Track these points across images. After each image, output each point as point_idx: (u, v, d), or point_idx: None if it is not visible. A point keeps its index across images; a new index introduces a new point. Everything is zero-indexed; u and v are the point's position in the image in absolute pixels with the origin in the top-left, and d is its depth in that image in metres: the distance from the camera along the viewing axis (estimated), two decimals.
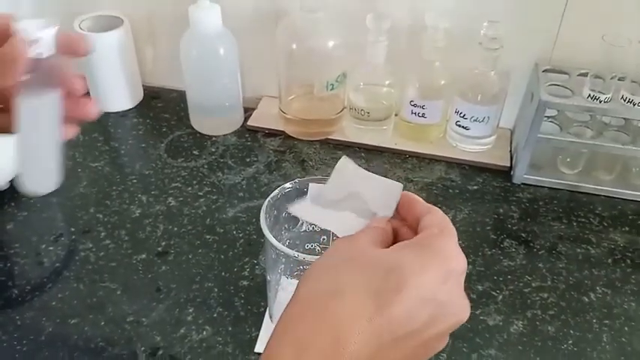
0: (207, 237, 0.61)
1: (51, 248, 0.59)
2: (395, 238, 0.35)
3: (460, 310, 0.31)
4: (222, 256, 0.59)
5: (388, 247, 0.32)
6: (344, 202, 0.39)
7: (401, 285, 0.29)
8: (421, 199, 0.36)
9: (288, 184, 0.47)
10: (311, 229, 0.51)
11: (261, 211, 0.45)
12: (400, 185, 0.36)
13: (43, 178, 0.38)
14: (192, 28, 0.69)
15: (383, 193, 0.38)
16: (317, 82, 0.71)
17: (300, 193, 0.48)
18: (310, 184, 0.47)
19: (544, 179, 0.69)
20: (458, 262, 0.31)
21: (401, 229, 0.35)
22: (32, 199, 0.65)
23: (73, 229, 0.61)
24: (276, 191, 0.47)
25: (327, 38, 0.68)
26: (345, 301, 0.28)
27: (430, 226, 0.32)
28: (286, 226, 0.50)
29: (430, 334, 0.30)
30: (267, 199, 0.46)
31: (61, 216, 0.64)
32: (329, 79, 0.70)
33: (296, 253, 0.42)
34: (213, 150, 0.74)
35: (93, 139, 0.75)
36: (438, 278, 0.30)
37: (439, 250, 0.31)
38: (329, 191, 0.40)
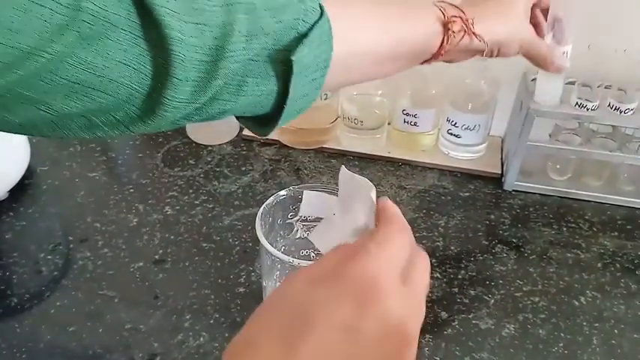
0: (204, 245, 0.62)
1: (49, 257, 0.60)
2: None
3: (388, 332, 0.26)
4: (219, 264, 0.60)
5: None
6: (349, 218, 0.38)
7: (306, 325, 0.25)
8: (388, 205, 0.32)
9: (282, 192, 0.48)
10: (305, 235, 0.52)
11: (257, 218, 0.46)
12: (372, 188, 0.34)
13: None
14: None
15: (362, 195, 0.37)
16: None
17: (295, 200, 0.49)
18: (305, 191, 0.48)
19: (534, 186, 0.70)
20: (374, 285, 0.27)
21: None
22: (30, 208, 0.66)
23: (71, 238, 0.62)
24: (271, 199, 0.48)
25: None
26: (257, 351, 0.26)
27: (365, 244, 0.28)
28: (281, 233, 0.51)
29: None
30: (263, 207, 0.47)
31: (59, 225, 0.65)
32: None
33: (291, 259, 0.43)
34: (209, 159, 0.75)
35: (90, 150, 0.75)
36: (347, 306, 0.26)
37: (352, 276, 0.27)
38: (340, 208, 0.37)
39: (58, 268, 0.59)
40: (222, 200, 0.68)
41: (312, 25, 0.33)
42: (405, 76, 0.71)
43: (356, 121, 0.73)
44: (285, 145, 0.77)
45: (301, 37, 0.32)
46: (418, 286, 0.29)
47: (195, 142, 0.77)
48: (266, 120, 0.36)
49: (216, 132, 0.78)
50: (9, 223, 0.64)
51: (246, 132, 0.78)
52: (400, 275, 0.28)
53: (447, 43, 0.42)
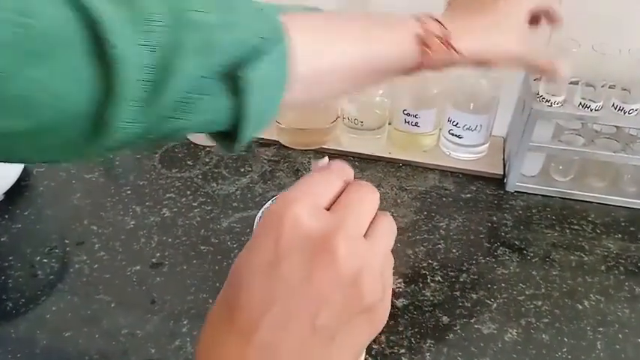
0: (202, 248, 0.61)
1: (45, 260, 0.59)
2: None
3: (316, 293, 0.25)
4: (217, 267, 0.59)
5: None
6: None
7: (237, 284, 0.26)
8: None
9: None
10: None
11: (255, 221, 0.45)
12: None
13: None
14: None
15: None
16: None
17: None
18: None
19: (537, 187, 0.69)
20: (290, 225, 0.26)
21: None
22: (26, 211, 0.65)
23: (67, 241, 0.61)
24: (270, 202, 0.47)
25: None
26: (210, 318, 0.27)
27: None
28: None
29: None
30: (262, 210, 0.47)
31: (55, 228, 0.64)
32: None
33: None
34: (207, 160, 0.74)
35: None
36: (266, 265, 0.26)
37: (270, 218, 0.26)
38: None
39: (54, 272, 0.58)
40: (220, 202, 0.67)
41: (271, 42, 0.33)
42: (405, 78, 0.70)
43: (356, 121, 0.72)
44: (285, 146, 0.76)
45: (258, 54, 0.32)
46: (379, 239, 0.27)
47: (194, 143, 0.77)
48: (230, 136, 0.35)
49: None
50: (4, 226, 0.63)
51: None
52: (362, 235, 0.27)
53: (424, 59, 0.41)
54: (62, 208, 0.66)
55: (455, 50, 0.41)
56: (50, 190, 0.68)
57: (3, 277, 0.58)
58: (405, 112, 0.71)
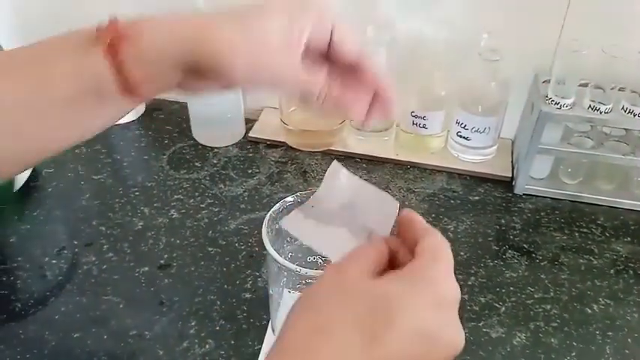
0: (210, 249, 0.61)
1: (54, 261, 0.60)
2: (392, 261, 0.33)
3: (454, 340, 0.29)
4: (225, 269, 0.59)
5: (382, 272, 0.31)
6: (337, 215, 0.38)
7: (390, 319, 0.28)
8: (420, 217, 0.34)
9: (289, 198, 0.47)
10: None
11: (263, 224, 0.45)
12: (397, 204, 0.36)
13: None
14: None
15: (379, 207, 0.37)
16: None
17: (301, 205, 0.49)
18: (313, 197, 0.47)
19: (545, 189, 0.69)
20: (450, 291, 0.30)
21: (400, 250, 0.33)
22: (35, 211, 0.65)
23: (76, 242, 0.62)
24: (278, 205, 0.47)
25: None
26: (332, 338, 0.27)
27: (424, 253, 0.31)
28: (288, 239, 0.50)
29: None
30: (269, 213, 0.47)
31: (64, 229, 0.64)
32: None
33: (298, 268, 0.42)
34: (215, 161, 0.74)
35: (95, 152, 0.75)
36: (429, 310, 0.29)
37: (430, 280, 0.30)
38: (321, 200, 0.39)
39: (62, 273, 0.58)
40: (228, 203, 0.67)
41: None
42: (413, 78, 0.70)
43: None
44: (292, 148, 0.76)
45: None
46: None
47: (201, 144, 0.77)
48: None
49: (222, 133, 0.77)
50: (13, 227, 0.64)
51: (253, 134, 0.78)
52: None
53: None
54: (71, 209, 0.66)
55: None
56: (59, 191, 0.69)
57: (12, 278, 0.58)
58: (413, 113, 0.71)
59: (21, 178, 0.66)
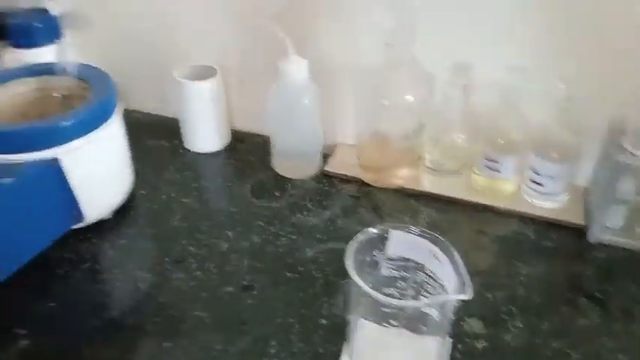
0: (288, 275, 0.65)
1: (147, 275, 0.65)
2: None
3: None
4: (302, 294, 0.62)
5: None
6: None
7: None
8: None
9: (372, 229, 0.51)
10: (391, 274, 0.54)
11: (347, 253, 0.49)
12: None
13: None
14: (280, 80, 0.75)
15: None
16: (394, 132, 0.75)
17: (382, 238, 0.52)
18: (394, 231, 0.51)
19: (620, 239, 0.69)
20: None
21: None
22: (131, 229, 0.72)
23: (167, 259, 0.67)
24: (362, 235, 0.50)
25: (406, 91, 0.72)
26: None
27: None
28: (367, 269, 0.53)
29: None
30: (354, 242, 0.50)
31: (157, 246, 0.70)
32: (406, 129, 0.74)
33: (384, 297, 0.45)
34: (293, 192, 0.78)
35: (185, 177, 0.81)
36: None
37: None
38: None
39: (155, 286, 0.63)
40: (305, 233, 0.71)
41: None
42: (489, 122, 0.73)
43: (438, 163, 0.74)
44: (366, 183, 0.79)
45: None
46: None
47: (281, 176, 0.81)
48: None
49: (300, 167, 0.82)
50: (112, 241, 0.70)
51: (328, 168, 0.82)
52: None
53: None
54: (162, 229, 0.72)
55: None
56: (152, 212, 0.75)
57: (109, 289, 0.64)
58: (487, 156, 0.73)
59: (120, 198, 0.73)
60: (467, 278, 0.46)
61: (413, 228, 0.50)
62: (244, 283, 0.64)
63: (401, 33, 0.68)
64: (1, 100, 0.70)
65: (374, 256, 0.52)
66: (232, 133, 0.90)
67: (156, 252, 0.69)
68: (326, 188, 0.79)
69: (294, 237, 0.70)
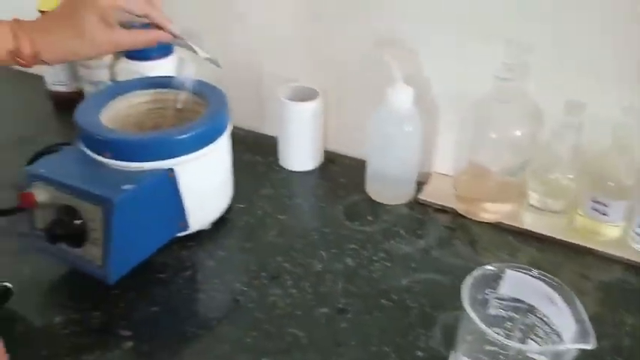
0: (383, 301, 0.65)
1: (245, 288, 0.66)
2: None
3: None
4: (397, 323, 0.62)
5: None
6: None
7: None
8: None
9: (489, 267, 0.50)
10: (498, 314, 0.53)
11: (463, 287, 0.48)
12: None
13: None
14: (385, 106, 0.76)
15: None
16: (498, 166, 0.73)
17: (497, 277, 0.51)
18: (509, 270, 0.50)
19: None
20: None
21: None
22: (228, 241, 0.74)
23: (264, 274, 0.68)
24: (479, 271, 0.50)
25: (515, 126, 0.71)
26: None
27: None
28: (477, 306, 0.52)
29: None
30: (469, 278, 0.49)
31: (254, 260, 0.71)
32: (511, 164, 0.72)
33: (513, 343, 0.44)
34: (387, 218, 0.78)
35: (280, 194, 0.83)
36: None
37: None
38: None
39: (252, 300, 0.65)
40: (398, 260, 0.71)
41: None
42: (599, 164, 0.70)
43: (541, 201, 0.72)
44: (461, 215, 0.78)
45: None
46: None
47: (374, 200, 0.82)
48: None
49: (394, 192, 0.81)
50: (211, 252, 0.72)
51: (423, 196, 0.81)
52: None
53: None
54: (259, 243, 0.73)
55: (43, 62, 0.56)
56: (248, 226, 0.77)
57: (207, 299, 0.66)
58: (595, 199, 0.70)
59: (219, 210, 0.75)
60: (590, 327, 0.44)
61: (532, 270, 0.49)
62: (339, 305, 0.64)
63: (516, 68, 0.67)
64: (119, 109, 0.74)
65: (485, 294, 0.51)
66: (324, 153, 0.91)
67: (253, 266, 0.70)
68: (419, 216, 0.79)
69: (388, 264, 0.70)
